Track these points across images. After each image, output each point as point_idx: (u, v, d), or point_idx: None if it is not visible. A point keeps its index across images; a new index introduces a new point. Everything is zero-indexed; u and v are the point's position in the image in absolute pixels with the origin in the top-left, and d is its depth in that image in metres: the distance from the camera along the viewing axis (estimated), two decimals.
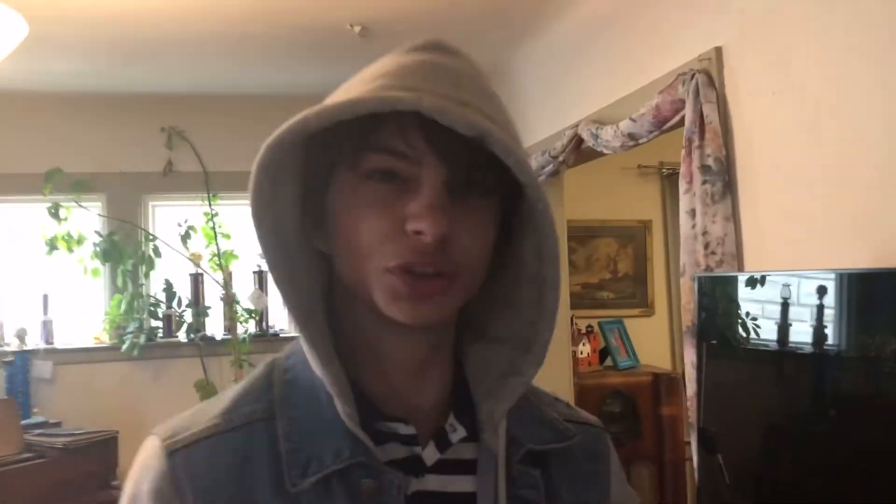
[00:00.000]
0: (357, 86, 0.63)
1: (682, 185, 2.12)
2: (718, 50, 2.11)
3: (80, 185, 3.78)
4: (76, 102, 3.91)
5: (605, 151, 2.73)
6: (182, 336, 3.97)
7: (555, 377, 3.58)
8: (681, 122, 2.22)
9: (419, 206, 0.59)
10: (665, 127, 2.32)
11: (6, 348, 3.60)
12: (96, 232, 3.89)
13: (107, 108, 3.97)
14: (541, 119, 3.38)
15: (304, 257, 0.67)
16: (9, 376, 3.49)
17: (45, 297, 3.83)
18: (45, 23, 2.80)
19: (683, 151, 2.12)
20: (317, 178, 0.66)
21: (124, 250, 3.85)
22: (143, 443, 0.67)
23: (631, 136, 2.47)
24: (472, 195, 0.63)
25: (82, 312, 3.96)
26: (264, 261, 0.65)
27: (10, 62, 2.76)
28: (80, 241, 3.84)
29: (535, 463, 0.72)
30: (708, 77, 2.10)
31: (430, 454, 0.67)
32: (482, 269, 0.65)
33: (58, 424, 3.52)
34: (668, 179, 4.65)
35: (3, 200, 3.94)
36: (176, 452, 0.64)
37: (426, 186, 0.60)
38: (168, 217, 4.09)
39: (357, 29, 3.12)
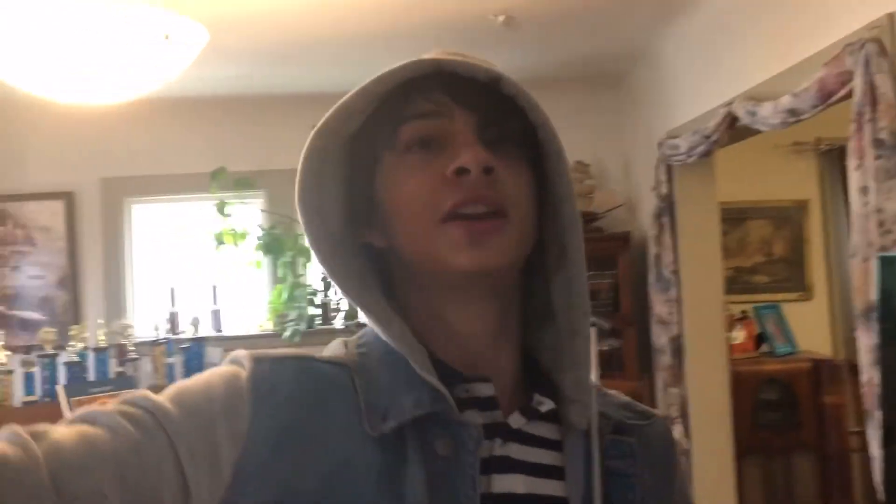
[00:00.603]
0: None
1: (853, 162, 2.02)
2: (892, 16, 1.99)
3: (243, 183, 4.02)
4: (237, 104, 4.16)
5: (763, 129, 2.63)
6: (338, 323, 4.16)
7: (708, 364, 3.49)
8: (847, 96, 2.11)
9: (458, 149, 0.64)
10: (830, 101, 2.21)
11: (182, 335, 3.89)
12: (259, 226, 4.13)
13: (264, 109, 4.19)
14: (691, 98, 3.30)
15: (351, 252, 0.70)
16: (186, 361, 3.78)
17: (215, 288, 4.10)
18: (212, 31, 3.00)
19: (853, 126, 2.01)
20: (361, 175, 0.70)
21: (284, 243, 4.08)
22: None
23: (792, 112, 2.37)
24: (504, 145, 0.66)
25: (247, 302, 4.22)
26: (313, 249, 0.69)
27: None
28: (244, 236, 4.10)
29: (629, 434, 0.73)
30: (880, 46, 1.98)
31: (515, 420, 0.68)
32: (530, 216, 0.67)
33: None
34: (827, 156, 4.41)
35: (176, 199, 4.26)
36: (262, 360, 0.65)
37: (460, 133, 0.65)
38: None
39: (501, 18, 3.15)
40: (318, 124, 0.66)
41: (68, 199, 4.15)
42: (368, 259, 0.71)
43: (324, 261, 0.69)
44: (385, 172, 0.68)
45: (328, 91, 4.29)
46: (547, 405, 0.69)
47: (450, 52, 0.68)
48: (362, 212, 0.70)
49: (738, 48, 2.90)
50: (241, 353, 0.67)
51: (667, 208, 3.50)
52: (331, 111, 0.66)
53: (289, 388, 0.64)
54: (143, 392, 0.62)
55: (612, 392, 0.80)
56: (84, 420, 0.57)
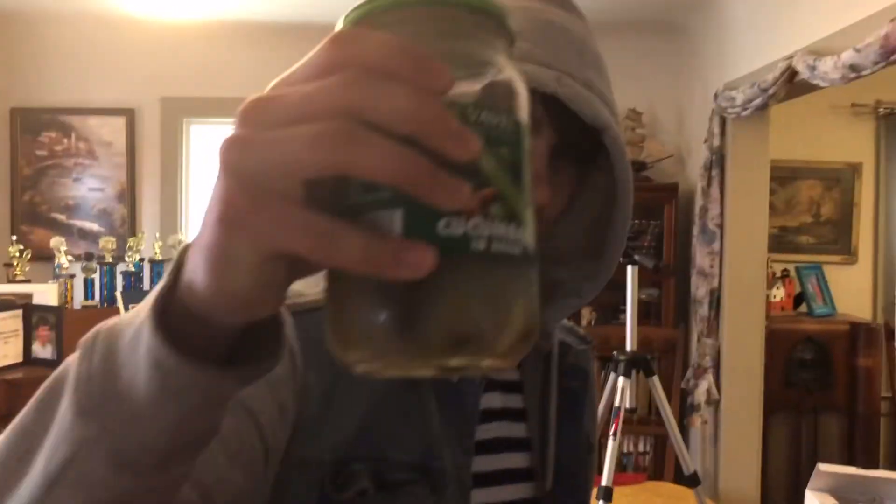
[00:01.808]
0: None
1: None
2: None
3: None
4: (297, 31, 4.21)
5: (823, 84, 2.62)
6: None
7: (744, 318, 3.53)
8: None
9: None
10: (893, 58, 2.20)
11: None
12: None
13: (324, 37, 4.24)
14: (750, 50, 3.27)
15: None
16: None
17: None
18: None
19: None
20: None
21: None
22: None
23: (853, 68, 2.36)
24: (564, 161, 0.68)
25: None
26: None
27: None
28: None
29: (582, 360, 0.83)
30: None
31: None
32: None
33: None
34: (886, 120, 4.34)
35: (232, 121, 4.36)
36: (301, 313, 0.64)
37: (537, 156, 0.64)
38: None
39: None
40: None
41: (129, 115, 4.28)
42: None
43: None
44: None
45: None
46: None
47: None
48: None
49: (801, 1, 2.87)
50: None
51: (717, 161, 3.51)
52: None
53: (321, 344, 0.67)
54: None
55: None
56: None
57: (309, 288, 0.66)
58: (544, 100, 0.64)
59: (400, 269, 0.30)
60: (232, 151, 0.31)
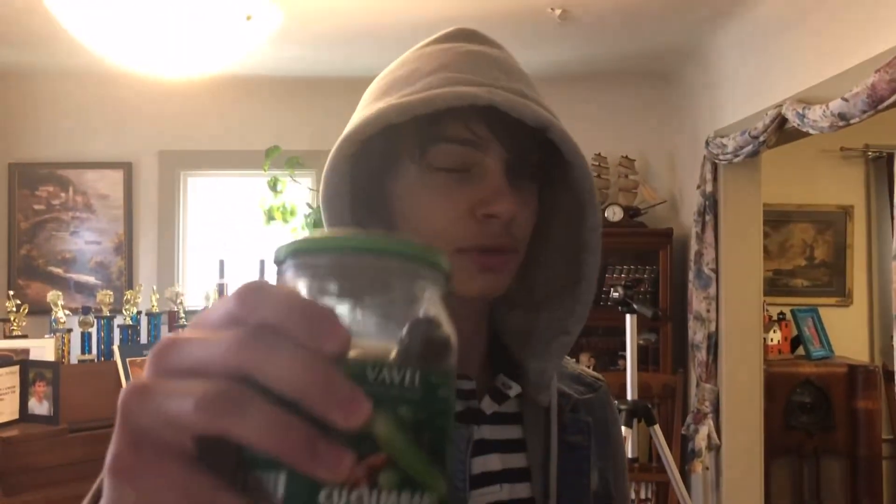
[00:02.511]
0: (420, 78, 0.67)
1: None
2: None
3: (294, 162, 4.14)
4: (293, 85, 4.28)
5: (812, 132, 2.67)
6: None
7: (742, 362, 3.53)
8: None
9: (490, 192, 0.65)
10: (880, 107, 2.25)
11: None
12: (307, 204, 4.25)
13: (319, 91, 4.31)
14: (740, 99, 3.33)
15: None
16: None
17: (262, 263, 4.23)
18: (282, 12, 3.10)
19: None
20: (374, 165, 0.69)
21: None
22: None
23: (841, 117, 2.40)
24: (524, 177, 0.68)
25: None
26: None
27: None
28: (293, 213, 4.21)
29: (585, 412, 0.80)
30: None
31: (487, 405, 0.73)
32: (529, 238, 0.71)
33: None
34: (875, 163, 4.40)
35: (229, 174, 4.39)
36: None
37: (493, 172, 0.65)
38: None
39: (557, 12, 3.21)
40: (352, 130, 0.65)
41: (127, 169, 4.31)
42: None
43: None
44: (404, 182, 0.68)
45: (375, 76, 4.40)
46: (514, 389, 0.74)
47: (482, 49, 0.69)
48: (365, 200, 0.71)
49: (789, 51, 2.93)
50: None
51: (710, 206, 3.54)
52: (366, 120, 0.64)
53: None
54: None
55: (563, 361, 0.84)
56: None
57: None
58: (487, 118, 0.64)
59: None
60: (130, 400, 0.31)
